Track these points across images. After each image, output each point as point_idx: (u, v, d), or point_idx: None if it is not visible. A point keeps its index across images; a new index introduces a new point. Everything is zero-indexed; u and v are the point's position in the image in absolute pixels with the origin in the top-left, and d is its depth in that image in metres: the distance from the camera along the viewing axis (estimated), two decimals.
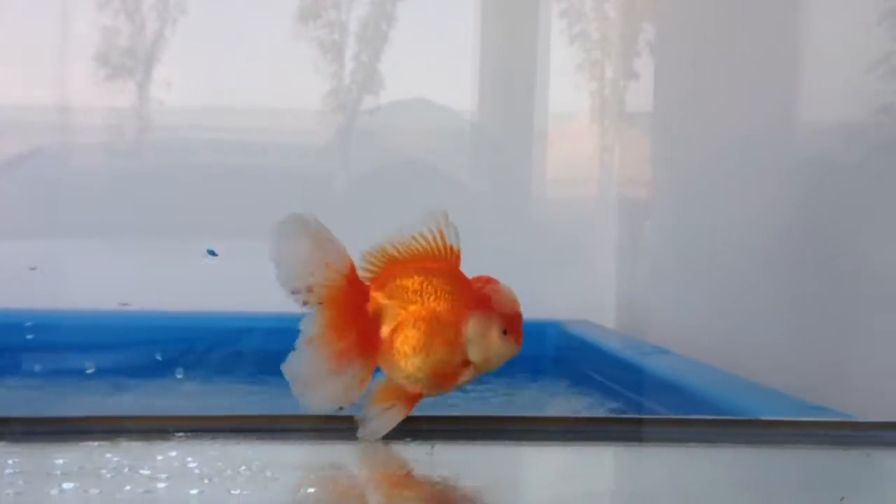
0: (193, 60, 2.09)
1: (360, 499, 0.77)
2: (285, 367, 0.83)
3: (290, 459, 0.83)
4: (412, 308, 0.85)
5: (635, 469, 0.89)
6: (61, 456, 0.80)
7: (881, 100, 1.27)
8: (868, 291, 1.26)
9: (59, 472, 0.75)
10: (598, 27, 2.21)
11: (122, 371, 1.51)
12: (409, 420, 0.86)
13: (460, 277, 0.86)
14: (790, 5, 1.52)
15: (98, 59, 2.07)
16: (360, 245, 0.87)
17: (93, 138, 2.12)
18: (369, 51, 2.16)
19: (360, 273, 0.87)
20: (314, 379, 0.84)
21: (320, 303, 0.85)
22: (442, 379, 0.85)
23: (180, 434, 0.84)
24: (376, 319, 0.86)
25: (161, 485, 0.72)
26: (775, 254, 1.49)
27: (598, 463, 0.91)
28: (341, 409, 0.85)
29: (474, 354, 0.84)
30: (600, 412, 1.45)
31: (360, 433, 0.84)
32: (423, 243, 0.85)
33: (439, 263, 0.85)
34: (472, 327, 0.84)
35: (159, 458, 0.79)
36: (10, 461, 0.78)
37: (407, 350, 0.84)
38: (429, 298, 0.85)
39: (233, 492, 0.72)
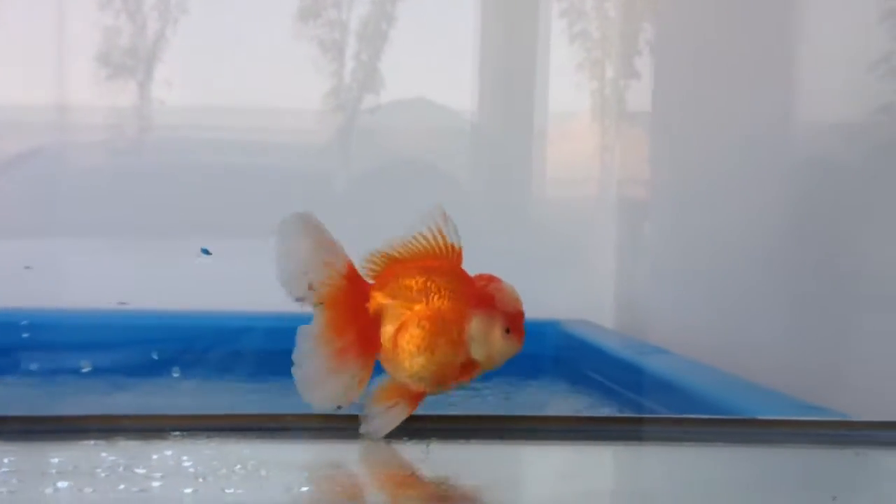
0: (194, 60, 2.09)
1: (354, 498, 0.76)
2: (294, 367, 0.84)
3: (285, 458, 0.83)
4: (417, 307, 0.85)
5: (633, 468, 0.89)
6: (57, 455, 0.80)
7: (881, 99, 1.27)
8: (867, 291, 1.25)
9: (54, 471, 0.75)
10: (599, 26, 2.21)
11: (120, 370, 1.51)
12: (407, 419, 0.86)
13: (463, 276, 0.86)
14: (789, 5, 1.52)
15: (99, 58, 2.07)
16: (359, 244, 0.88)
17: (94, 137, 2.12)
18: (369, 50, 2.16)
19: (361, 273, 0.87)
20: (314, 377, 0.84)
21: (320, 302, 0.85)
22: (445, 377, 0.85)
23: (177, 433, 0.84)
24: (377, 319, 0.86)
25: (156, 484, 0.72)
26: (775, 254, 1.49)
27: (597, 462, 0.91)
28: (339, 407, 0.85)
29: (477, 353, 0.84)
30: (599, 412, 1.44)
31: (362, 430, 0.84)
32: (424, 242, 0.85)
33: (441, 262, 0.85)
34: (475, 326, 0.84)
35: (155, 457, 0.79)
36: (5, 460, 0.78)
37: (412, 349, 0.84)
38: (433, 297, 0.85)
39: (227, 490, 0.72)
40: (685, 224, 1.85)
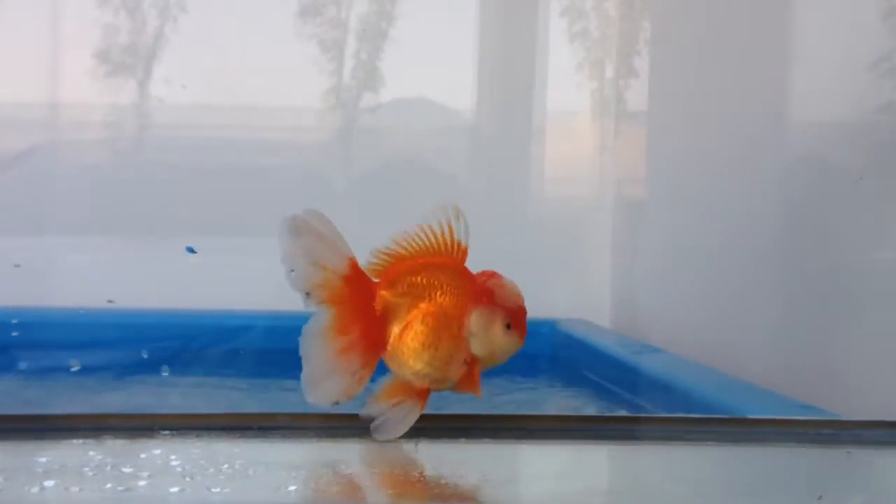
0: (194, 58, 2.09)
1: (343, 497, 0.76)
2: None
3: (273, 458, 0.83)
4: (422, 305, 0.85)
5: (626, 467, 0.89)
6: (44, 454, 0.80)
7: (879, 99, 1.26)
8: (861, 291, 1.25)
9: (40, 470, 0.75)
10: (599, 26, 2.20)
11: (110, 369, 1.51)
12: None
13: (464, 272, 0.86)
14: (787, 5, 1.52)
15: (98, 56, 2.07)
16: (359, 243, 0.87)
17: (93, 135, 2.12)
18: (369, 48, 2.16)
19: (367, 270, 0.87)
20: (318, 374, 0.84)
21: (324, 300, 0.85)
22: (448, 374, 0.85)
23: (165, 432, 0.84)
24: (383, 318, 0.86)
25: (142, 483, 0.72)
26: (771, 254, 1.48)
27: (591, 461, 0.90)
28: (337, 403, 0.85)
29: (478, 348, 0.85)
30: (594, 411, 1.44)
31: (376, 435, 0.84)
32: (431, 237, 0.85)
33: (444, 258, 0.85)
34: (475, 321, 0.84)
35: (143, 455, 0.79)
36: None
37: (416, 346, 0.85)
38: (436, 294, 0.85)
39: (213, 490, 0.72)
40: (682, 224, 1.84)
